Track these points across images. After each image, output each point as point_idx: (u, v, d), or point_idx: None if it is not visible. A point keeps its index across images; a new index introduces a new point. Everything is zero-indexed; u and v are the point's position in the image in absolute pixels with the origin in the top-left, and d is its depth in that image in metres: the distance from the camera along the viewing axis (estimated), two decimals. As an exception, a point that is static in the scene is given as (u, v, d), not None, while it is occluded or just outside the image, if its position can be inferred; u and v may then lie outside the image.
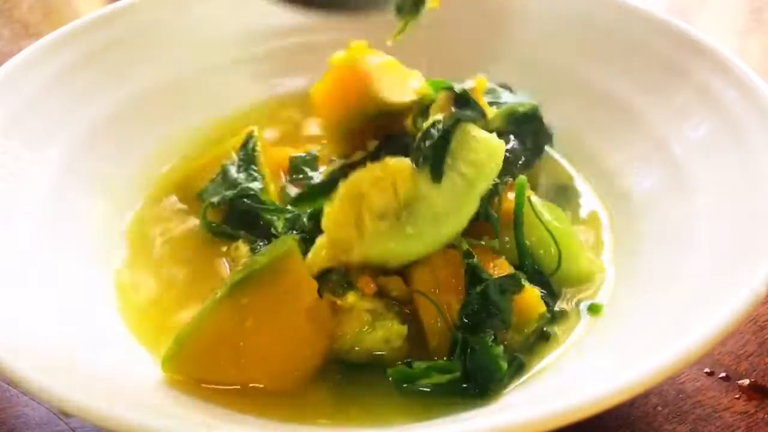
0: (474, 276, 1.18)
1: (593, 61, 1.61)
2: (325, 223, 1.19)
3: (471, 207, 1.21)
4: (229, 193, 1.38)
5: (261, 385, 1.12)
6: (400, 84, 1.34)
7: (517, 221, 1.25)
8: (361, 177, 1.18)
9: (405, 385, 1.13)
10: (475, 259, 1.19)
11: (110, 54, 1.61)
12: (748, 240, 1.15)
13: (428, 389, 1.12)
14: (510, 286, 1.18)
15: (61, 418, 1.18)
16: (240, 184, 1.39)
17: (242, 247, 1.32)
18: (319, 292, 1.19)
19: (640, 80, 1.55)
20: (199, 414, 1.06)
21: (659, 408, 1.18)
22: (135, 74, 1.63)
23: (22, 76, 1.46)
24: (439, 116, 1.23)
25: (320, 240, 1.22)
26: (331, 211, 1.18)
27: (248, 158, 1.44)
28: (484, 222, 1.24)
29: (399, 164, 1.18)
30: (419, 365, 1.13)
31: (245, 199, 1.36)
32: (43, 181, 1.40)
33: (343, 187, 1.18)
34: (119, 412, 0.92)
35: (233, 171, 1.43)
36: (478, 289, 1.16)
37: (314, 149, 1.51)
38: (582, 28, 1.61)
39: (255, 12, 1.72)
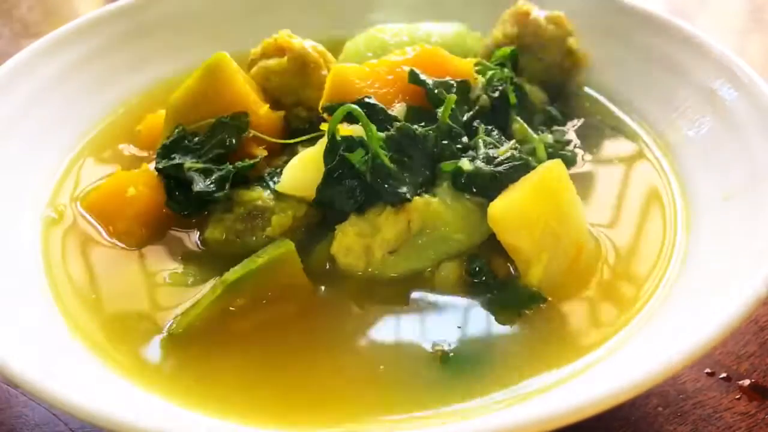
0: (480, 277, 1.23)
1: (593, 60, 1.61)
2: (335, 248, 1.24)
3: (483, 230, 1.24)
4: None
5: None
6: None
7: None
8: (375, 213, 1.23)
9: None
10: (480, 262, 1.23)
11: (110, 54, 1.62)
12: (749, 240, 1.15)
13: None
14: None
15: (60, 418, 1.18)
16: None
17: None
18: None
19: (640, 80, 1.55)
20: (197, 416, 1.06)
21: (660, 408, 1.18)
22: (134, 73, 1.64)
23: (22, 76, 1.46)
24: None
25: (321, 246, 1.27)
26: (343, 240, 1.23)
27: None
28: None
29: (416, 203, 1.22)
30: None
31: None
32: (43, 181, 1.41)
33: (356, 218, 1.23)
34: (120, 413, 0.92)
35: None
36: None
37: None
38: (583, 28, 1.61)
39: (252, 12, 1.74)
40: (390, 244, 1.22)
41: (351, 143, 1.24)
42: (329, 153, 1.25)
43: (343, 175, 1.24)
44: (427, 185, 1.27)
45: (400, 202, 1.22)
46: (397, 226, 1.22)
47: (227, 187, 1.30)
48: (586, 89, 1.63)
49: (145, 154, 1.51)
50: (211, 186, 1.30)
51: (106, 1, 2.03)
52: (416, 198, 1.23)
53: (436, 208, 1.23)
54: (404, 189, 1.23)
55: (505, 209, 1.20)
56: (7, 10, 2.36)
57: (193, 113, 1.38)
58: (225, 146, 1.34)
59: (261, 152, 1.36)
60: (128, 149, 1.53)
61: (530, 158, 1.29)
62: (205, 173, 1.32)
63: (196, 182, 1.30)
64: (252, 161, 1.33)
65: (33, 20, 2.34)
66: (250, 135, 1.36)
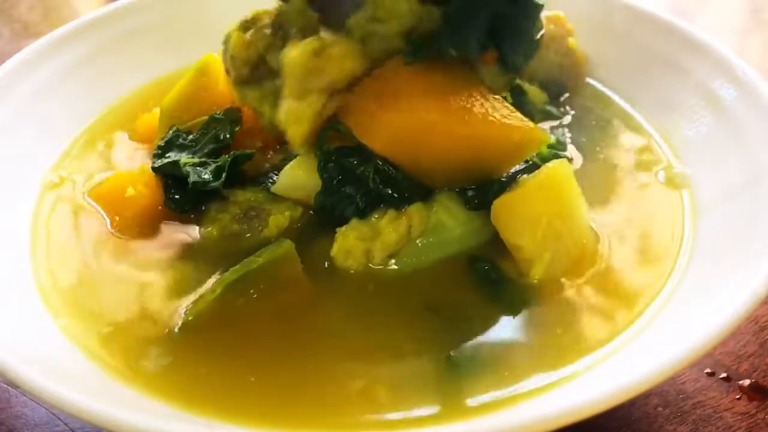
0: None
1: (593, 60, 1.61)
2: (335, 251, 1.24)
3: (485, 231, 1.24)
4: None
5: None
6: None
7: None
8: (377, 217, 1.23)
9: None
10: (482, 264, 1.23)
11: (110, 54, 1.62)
12: (749, 240, 1.15)
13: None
14: None
15: (60, 418, 1.18)
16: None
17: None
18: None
19: (640, 79, 1.55)
20: (197, 416, 1.06)
21: (660, 408, 1.18)
22: (134, 73, 1.64)
23: (22, 76, 1.47)
24: None
25: (320, 246, 1.25)
26: (344, 243, 1.23)
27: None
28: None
29: (418, 207, 1.23)
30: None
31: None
32: (42, 181, 1.41)
33: (357, 222, 1.23)
34: (120, 413, 0.92)
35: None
36: None
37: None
38: (582, 28, 1.61)
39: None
40: (391, 248, 1.22)
41: (348, 152, 1.24)
42: (324, 164, 1.25)
43: (342, 181, 1.25)
44: (429, 188, 1.27)
45: (402, 206, 1.22)
46: (399, 230, 1.22)
47: (223, 176, 1.30)
48: (586, 89, 1.63)
49: (143, 152, 1.51)
50: (207, 176, 1.30)
51: (106, 1, 2.03)
52: (418, 202, 1.23)
53: (437, 211, 1.23)
54: (406, 193, 1.23)
55: (509, 207, 1.20)
56: (7, 10, 2.36)
57: (186, 114, 1.40)
58: (219, 141, 1.35)
59: (255, 144, 1.36)
60: (128, 149, 1.53)
61: (533, 158, 1.29)
62: (201, 167, 1.32)
63: (192, 175, 1.30)
64: (249, 152, 1.33)
65: (33, 20, 2.34)
66: (244, 128, 1.37)
